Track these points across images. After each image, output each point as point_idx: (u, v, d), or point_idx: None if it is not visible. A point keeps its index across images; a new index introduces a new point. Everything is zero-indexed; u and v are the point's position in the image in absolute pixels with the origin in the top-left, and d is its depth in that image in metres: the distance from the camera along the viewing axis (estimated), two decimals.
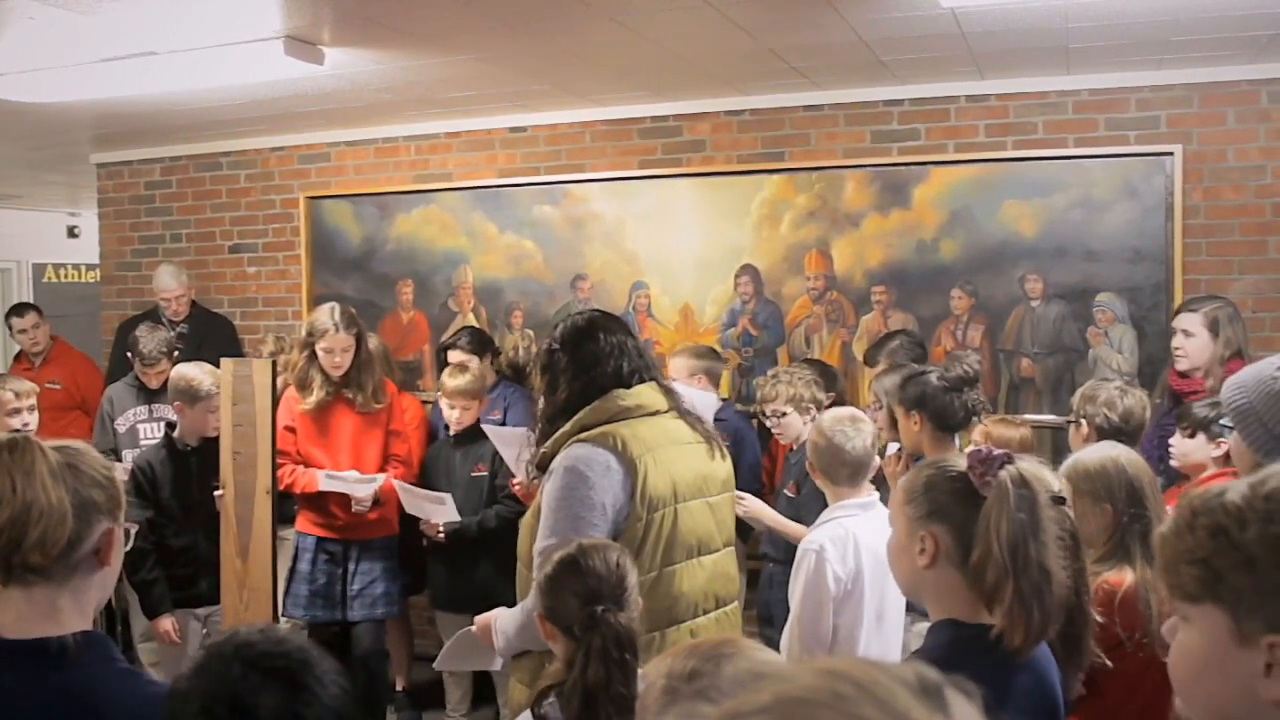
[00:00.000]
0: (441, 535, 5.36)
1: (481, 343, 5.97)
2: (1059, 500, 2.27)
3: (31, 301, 7.49)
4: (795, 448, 4.84)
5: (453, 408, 5.48)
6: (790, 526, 4.55)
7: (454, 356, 5.81)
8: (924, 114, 5.90)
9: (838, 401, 5.06)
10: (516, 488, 5.14)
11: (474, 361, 5.71)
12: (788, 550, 4.38)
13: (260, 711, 1.33)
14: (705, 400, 4.16)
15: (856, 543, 3.45)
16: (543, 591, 2.54)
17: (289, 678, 1.35)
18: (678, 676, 1.47)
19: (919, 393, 3.88)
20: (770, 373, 5.06)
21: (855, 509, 3.55)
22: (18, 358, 7.47)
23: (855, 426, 3.61)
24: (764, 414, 4.93)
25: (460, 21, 4.58)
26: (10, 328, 7.31)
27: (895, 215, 5.96)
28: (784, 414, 4.78)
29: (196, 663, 1.39)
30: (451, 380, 5.50)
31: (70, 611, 1.89)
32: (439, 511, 5.28)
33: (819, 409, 4.79)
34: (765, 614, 4.78)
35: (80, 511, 1.87)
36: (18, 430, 4.79)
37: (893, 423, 4.11)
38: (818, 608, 3.38)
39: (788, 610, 3.57)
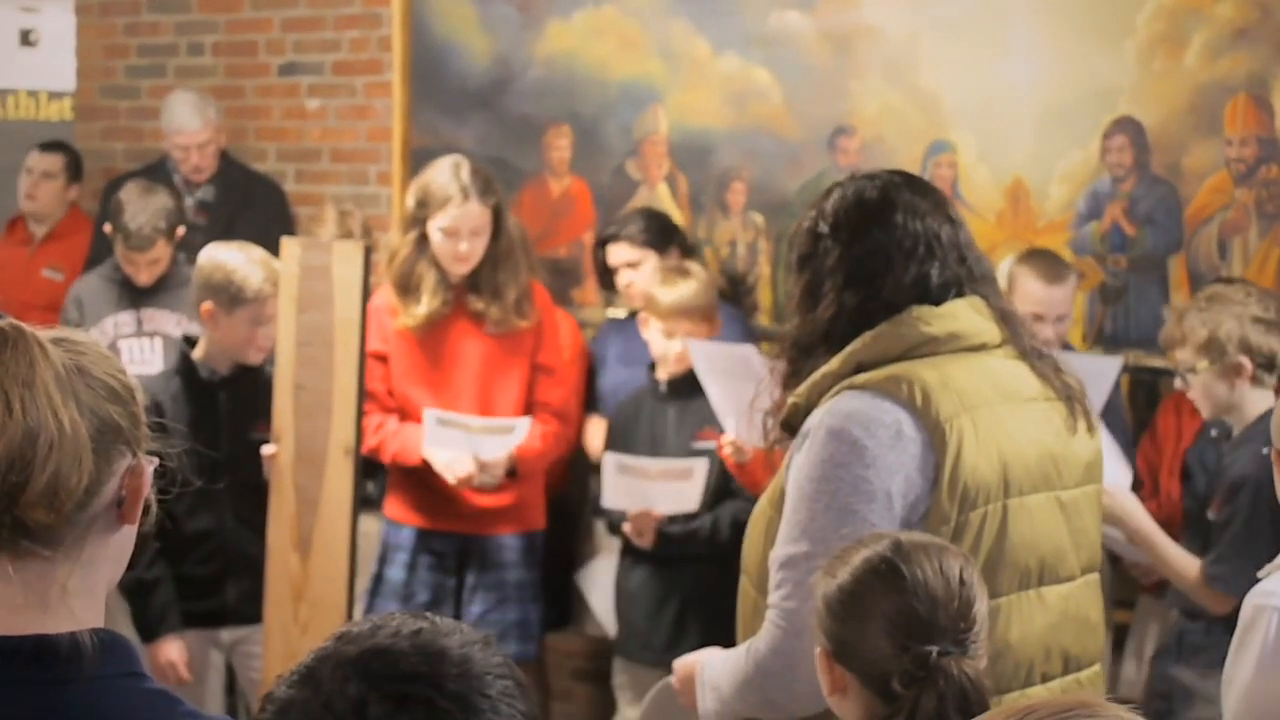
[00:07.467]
0: (648, 539, 4.54)
1: (661, 232, 5.13)
2: None
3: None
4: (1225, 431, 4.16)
5: (670, 336, 4.72)
6: (1170, 551, 3.90)
7: (618, 254, 5.05)
8: None
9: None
10: (726, 452, 4.37)
11: (694, 266, 4.95)
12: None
13: None
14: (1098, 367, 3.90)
15: None
16: (834, 615, 2.15)
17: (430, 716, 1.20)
18: None
19: None
20: (1206, 292, 4.31)
21: None
22: (12, 225, 6.65)
23: None
24: (1176, 371, 4.18)
25: None
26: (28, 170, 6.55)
27: None
28: (1194, 369, 4.11)
29: (301, 670, 1.30)
30: (667, 292, 4.73)
31: (80, 596, 1.56)
32: (671, 494, 4.51)
33: (1269, 369, 4.06)
34: (1161, 691, 4.03)
35: (99, 440, 1.52)
36: None
37: None
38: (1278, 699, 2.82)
39: (1203, 694, 3.37)
